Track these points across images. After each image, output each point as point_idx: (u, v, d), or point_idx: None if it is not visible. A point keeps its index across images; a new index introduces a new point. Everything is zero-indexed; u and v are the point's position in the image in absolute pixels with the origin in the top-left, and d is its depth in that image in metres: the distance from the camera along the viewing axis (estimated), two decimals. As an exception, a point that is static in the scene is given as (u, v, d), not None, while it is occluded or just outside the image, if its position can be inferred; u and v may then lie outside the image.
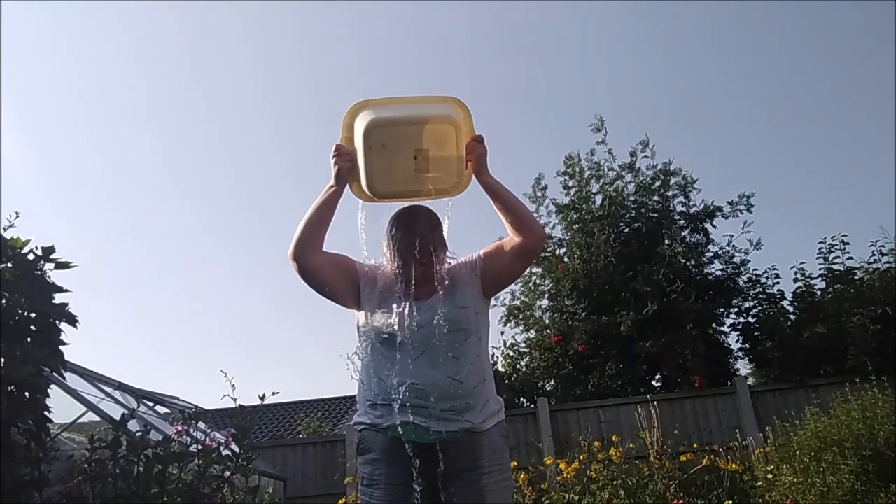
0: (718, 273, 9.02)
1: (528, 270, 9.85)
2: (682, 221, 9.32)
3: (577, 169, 9.78)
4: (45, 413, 2.30)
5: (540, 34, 20.92)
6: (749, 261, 8.92)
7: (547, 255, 9.71)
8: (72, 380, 5.39)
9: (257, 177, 24.49)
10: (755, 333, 8.45)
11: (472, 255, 2.04)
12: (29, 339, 2.24)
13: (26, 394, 2.21)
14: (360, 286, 2.00)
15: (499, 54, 20.49)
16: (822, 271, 8.23)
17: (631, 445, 6.39)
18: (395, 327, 1.87)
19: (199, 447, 2.91)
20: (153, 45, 20.42)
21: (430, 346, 1.84)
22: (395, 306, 1.92)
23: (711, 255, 9.15)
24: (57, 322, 2.31)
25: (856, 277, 7.94)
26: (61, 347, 2.34)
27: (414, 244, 1.89)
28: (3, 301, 2.21)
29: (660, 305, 8.00)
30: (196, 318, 27.21)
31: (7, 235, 2.27)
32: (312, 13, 21.47)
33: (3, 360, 2.11)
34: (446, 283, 1.95)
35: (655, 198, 9.40)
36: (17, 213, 2.40)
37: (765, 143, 20.09)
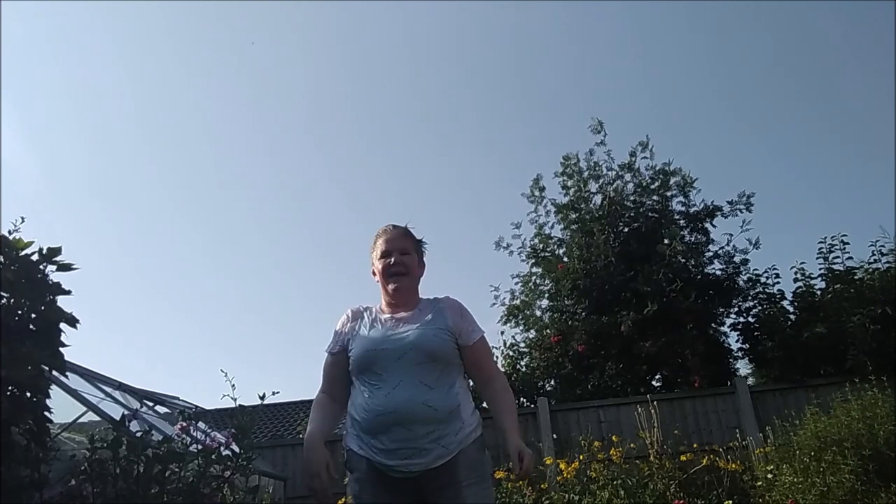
0: (718, 273, 9.03)
1: (528, 270, 9.87)
2: (681, 221, 9.31)
3: (575, 170, 9.78)
4: (46, 413, 2.30)
5: (542, 33, 20.92)
6: (749, 260, 8.93)
7: (547, 254, 9.70)
8: (72, 380, 5.38)
9: (258, 177, 24.49)
10: (755, 333, 8.43)
11: (463, 320, 2.10)
12: (29, 340, 2.23)
13: (27, 394, 2.21)
14: (349, 340, 2.10)
15: (498, 54, 20.48)
16: (822, 271, 8.23)
17: (631, 445, 6.38)
18: (376, 355, 1.98)
19: (200, 447, 2.91)
20: (154, 47, 20.40)
21: (407, 374, 1.93)
22: (375, 333, 2.04)
23: (711, 254, 9.16)
24: (57, 323, 2.30)
25: (856, 277, 7.92)
26: (61, 348, 2.33)
27: (395, 248, 2.11)
28: (4, 301, 2.20)
29: (660, 305, 7.99)
30: (196, 318, 27.21)
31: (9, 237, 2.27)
32: (308, 12, 21.44)
33: (3, 361, 2.11)
34: (431, 309, 2.09)
35: (655, 197, 9.40)
36: (22, 218, 2.39)
37: (765, 144, 20.09)
